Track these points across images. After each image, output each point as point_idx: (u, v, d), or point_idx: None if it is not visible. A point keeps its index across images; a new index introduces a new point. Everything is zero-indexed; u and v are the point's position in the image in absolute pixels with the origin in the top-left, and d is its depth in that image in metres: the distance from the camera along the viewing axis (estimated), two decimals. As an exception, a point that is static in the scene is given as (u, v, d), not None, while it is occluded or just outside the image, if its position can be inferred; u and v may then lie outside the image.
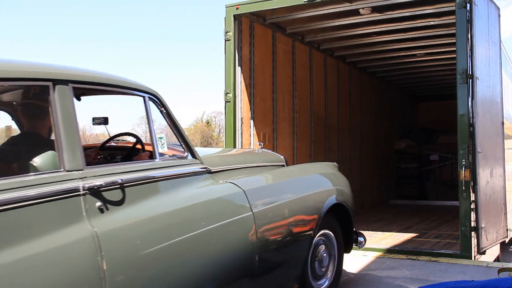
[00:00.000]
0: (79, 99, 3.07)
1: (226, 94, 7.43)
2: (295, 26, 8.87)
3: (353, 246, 4.69)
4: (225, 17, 7.44)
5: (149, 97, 2.92)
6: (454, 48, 6.35)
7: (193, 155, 3.16)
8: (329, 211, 4.05)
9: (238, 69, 7.59)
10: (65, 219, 2.23)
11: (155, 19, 77.24)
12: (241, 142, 7.67)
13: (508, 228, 7.64)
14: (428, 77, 13.56)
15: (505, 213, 7.18)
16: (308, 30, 9.13)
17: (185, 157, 3.11)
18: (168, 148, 3.11)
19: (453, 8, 6.32)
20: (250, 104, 7.94)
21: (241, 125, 7.67)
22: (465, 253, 5.91)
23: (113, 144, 3.58)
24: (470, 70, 5.98)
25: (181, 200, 2.86)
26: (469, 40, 5.99)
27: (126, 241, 2.43)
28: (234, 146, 7.48)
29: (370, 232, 8.14)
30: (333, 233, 4.21)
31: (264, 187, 3.63)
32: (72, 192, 2.28)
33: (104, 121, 3.26)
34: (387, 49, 10.48)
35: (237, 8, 7.36)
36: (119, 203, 2.50)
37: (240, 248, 3.12)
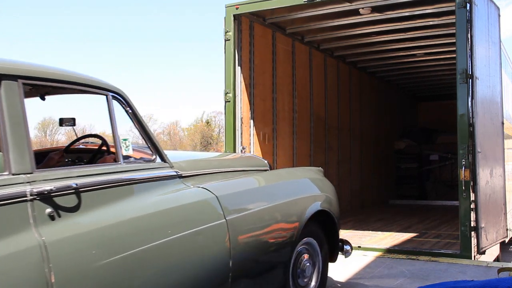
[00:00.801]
0: (43, 99, 2.95)
1: (226, 94, 7.43)
2: (295, 26, 8.87)
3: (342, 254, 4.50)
4: (225, 17, 7.44)
5: (112, 96, 2.72)
6: (454, 48, 6.35)
7: (162, 158, 2.96)
8: (313, 218, 3.84)
9: (238, 69, 7.59)
10: (8, 227, 2.03)
11: (155, 19, 77.23)
12: (241, 142, 7.66)
13: (508, 228, 7.64)
14: (428, 77, 13.56)
15: (505, 213, 7.18)
16: (308, 30, 9.13)
17: (153, 161, 2.92)
18: (135, 150, 2.96)
19: (453, 8, 6.33)
20: (250, 104, 7.94)
21: (241, 125, 7.67)
22: (465, 253, 5.91)
23: (81, 146, 3.42)
24: (470, 70, 5.98)
25: (145, 207, 2.65)
26: (469, 40, 5.98)
27: (78, 251, 2.22)
28: (234, 146, 7.48)
29: (370, 232, 8.14)
30: (317, 241, 4.00)
31: (240, 192, 3.38)
32: (17, 197, 2.09)
33: (72, 122, 3.09)
34: (387, 49, 10.48)
35: (237, 8, 7.36)
36: (73, 209, 2.30)
37: (211, 259, 2.89)
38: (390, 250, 6.50)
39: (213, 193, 3.05)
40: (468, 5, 5.98)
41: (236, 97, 7.51)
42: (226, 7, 7.44)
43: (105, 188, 2.50)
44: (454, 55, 6.31)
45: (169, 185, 2.92)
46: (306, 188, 4.13)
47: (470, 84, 5.96)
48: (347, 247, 4.36)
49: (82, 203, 2.35)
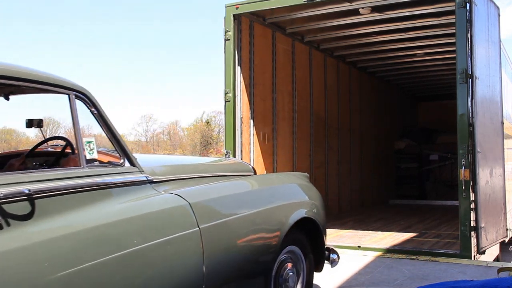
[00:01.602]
0: (7, 98, 2.84)
1: (226, 93, 7.43)
2: (295, 25, 8.87)
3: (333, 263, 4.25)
4: (224, 17, 7.44)
5: (75, 95, 2.54)
6: (454, 48, 6.35)
7: (131, 162, 2.78)
8: (297, 226, 3.66)
9: (238, 68, 7.59)
10: None
11: (155, 19, 77.22)
12: (241, 142, 7.66)
13: (508, 228, 7.64)
14: (427, 77, 13.56)
15: (505, 213, 7.18)
16: (307, 30, 9.13)
17: (121, 165, 2.72)
18: (105, 154, 2.81)
19: (453, 8, 6.33)
20: (250, 104, 7.94)
21: (241, 125, 7.67)
22: (465, 253, 5.91)
23: (50, 149, 3.21)
24: (470, 69, 5.98)
25: (107, 215, 2.44)
26: (469, 40, 5.98)
27: (29, 263, 2.01)
28: (234, 146, 7.48)
29: (370, 232, 8.14)
30: (301, 250, 3.82)
31: (216, 199, 3.16)
32: None
33: (38, 123, 2.93)
34: (387, 48, 10.48)
35: (237, 8, 7.36)
36: (25, 218, 2.10)
37: (182, 270, 2.68)
38: (390, 250, 6.50)
39: (185, 200, 2.84)
40: (468, 5, 5.98)
41: (236, 97, 7.51)
42: (226, 7, 7.44)
43: (62, 194, 2.29)
44: (454, 55, 6.31)
45: (137, 191, 2.73)
46: (290, 194, 3.95)
47: (470, 84, 5.96)
48: (333, 256, 4.15)
49: (36, 211, 2.14)
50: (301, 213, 3.77)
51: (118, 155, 2.77)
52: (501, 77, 7.38)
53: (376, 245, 6.82)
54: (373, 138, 13.02)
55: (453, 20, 6.38)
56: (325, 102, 10.56)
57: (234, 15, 7.39)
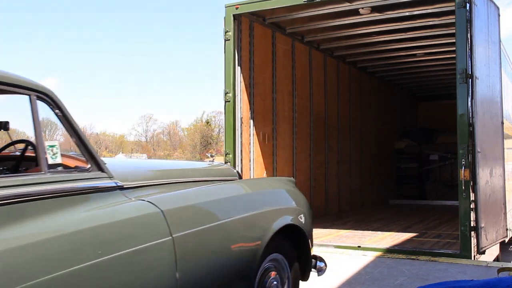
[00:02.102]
0: None
1: (225, 93, 7.43)
2: (295, 26, 8.87)
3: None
4: (224, 17, 7.44)
5: (37, 96, 2.38)
6: (454, 48, 6.35)
7: (99, 167, 2.61)
8: (281, 233, 3.51)
9: (238, 68, 7.59)
10: None
11: (155, 19, 77.15)
12: (241, 142, 7.66)
13: (508, 228, 7.64)
14: (427, 77, 13.56)
15: (505, 213, 7.18)
16: (307, 30, 9.13)
17: (87, 170, 2.56)
18: (72, 158, 2.67)
19: (453, 8, 6.33)
20: (249, 104, 7.94)
21: (241, 125, 7.67)
22: (465, 253, 5.91)
23: (17, 153, 3.04)
24: (470, 69, 5.98)
25: (68, 223, 2.26)
26: (469, 40, 5.99)
27: None
28: (234, 146, 7.48)
29: (370, 232, 8.14)
30: (286, 258, 3.66)
31: (192, 206, 2.97)
32: None
33: (4, 125, 2.78)
34: (387, 49, 10.48)
35: (236, 8, 7.36)
36: None
37: (152, 282, 2.50)
38: (390, 250, 6.50)
39: (157, 207, 2.65)
40: (467, 5, 5.98)
41: (236, 97, 7.51)
42: (226, 7, 7.44)
43: (18, 202, 2.11)
44: (454, 55, 6.32)
45: (105, 198, 2.56)
46: (274, 200, 3.79)
47: (470, 84, 5.96)
48: (320, 264, 3.98)
49: None
50: (285, 220, 3.61)
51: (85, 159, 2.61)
52: (501, 77, 7.38)
53: (376, 245, 6.82)
54: (373, 138, 13.02)
55: (453, 20, 6.38)
56: (325, 102, 10.56)
57: (234, 15, 7.39)
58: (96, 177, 2.57)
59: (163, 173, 3.35)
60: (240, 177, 4.11)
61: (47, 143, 2.41)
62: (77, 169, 2.57)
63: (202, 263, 2.85)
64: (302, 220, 3.84)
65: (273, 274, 3.53)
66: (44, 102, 2.42)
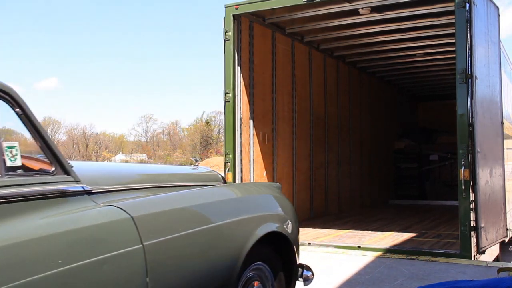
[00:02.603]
0: None
1: (225, 94, 7.43)
2: (295, 26, 8.87)
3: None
4: (224, 17, 7.44)
5: None
6: (454, 48, 6.35)
7: (65, 170, 2.47)
8: (265, 241, 3.36)
9: (238, 69, 7.59)
10: None
11: (155, 18, 77.15)
12: (241, 142, 7.66)
13: (508, 228, 7.64)
14: (427, 77, 13.57)
15: (505, 213, 7.18)
16: (307, 30, 9.13)
17: (52, 173, 2.41)
18: (36, 161, 2.52)
19: (453, 8, 6.33)
20: (249, 104, 7.94)
21: (241, 125, 7.67)
22: (465, 253, 5.91)
23: None
24: (470, 69, 5.98)
25: (27, 230, 2.11)
26: (469, 40, 5.99)
27: None
28: (234, 146, 7.48)
29: (370, 232, 8.14)
30: (270, 267, 3.49)
31: (166, 212, 2.79)
32: None
33: None
34: (387, 49, 10.48)
35: (236, 8, 7.36)
36: None
37: None
38: (390, 250, 6.50)
39: (127, 213, 2.49)
40: (467, 5, 5.98)
41: (236, 97, 7.51)
42: (225, 7, 7.44)
43: None
44: (454, 55, 6.32)
45: (70, 203, 2.41)
46: (257, 206, 3.60)
47: (470, 84, 5.96)
48: (307, 273, 3.81)
49: None
50: (269, 227, 3.44)
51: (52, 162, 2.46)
52: (501, 77, 7.39)
53: (376, 245, 6.82)
54: (373, 138, 13.02)
55: (453, 20, 6.38)
56: (325, 102, 10.56)
57: (233, 16, 7.39)
58: (61, 181, 2.42)
59: (138, 177, 3.22)
60: (225, 182, 3.97)
61: (5, 144, 2.26)
62: (40, 172, 2.40)
63: (177, 273, 2.68)
64: (288, 227, 3.68)
65: (256, 283, 3.39)
66: (4, 101, 2.28)
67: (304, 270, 3.81)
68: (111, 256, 2.30)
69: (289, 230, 3.68)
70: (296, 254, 3.77)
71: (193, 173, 3.88)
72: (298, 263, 3.79)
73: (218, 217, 3.08)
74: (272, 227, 3.48)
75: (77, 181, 2.50)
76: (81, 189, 2.50)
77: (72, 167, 2.51)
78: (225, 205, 3.31)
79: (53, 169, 2.42)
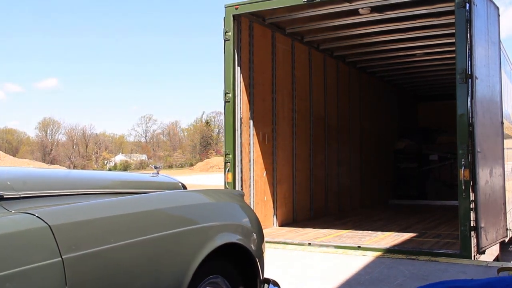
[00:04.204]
0: None
1: (225, 94, 7.43)
2: (295, 26, 8.87)
3: None
4: (224, 17, 7.44)
5: None
6: (454, 48, 6.35)
7: None
8: (223, 253, 3.09)
9: (238, 69, 7.59)
10: None
11: (155, 18, 77.05)
12: (241, 142, 7.66)
13: (508, 228, 7.63)
14: (427, 77, 13.57)
15: (505, 213, 7.17)
16: (307, 30, 9.13)
17: None
18: None
19: (452, 8, 6.33)
20: (249, 104, 7.94)
21: (241, 125, 7.67)
22: (465, 253, 5.91)
23: None
24: (470, 69, 5.98)
25: None
26: (469, 40, 5.99)
27: None
28: (234, 146, 7.47)
29: (370, 232, 8.13)
30: (229, 281, 3.20)
31: (93, 221, 2.44)
32: None
33: None
34: (387, 49, 10.48)
35: (236, 8, 7.36)
36: None
37: None
38: (390, 250, 6.49)
39: (44, 221, 2.17)
40: (467, 5, 5.98)
41: (236, 97, 7.51)
42: (225, 7, 7.44)
43: None
44: (454, 55, 6.32)
45: None
46: (212, 215, 3.26)
47: (470, 84, 5.96)
48: None
49: None
50: (225, 238, 3.13)
51: None
52: (500, 77, 7.38)
53: (376, 245, 6.81)
54: (373, 138, 13.02)
55: (453, 20, 6.38)
56: (324, 102, 10.56)
57: (233, 16, 7.39)
58: None
59: (68, 183, 2.90)
60: (184, 188, 3.68)
61: None
62: None
63: None
64: (249, 238, 3.36)
65: None
66: None
67: (271, 285, 3.52)
68: (20, 272, 1.99)
69: (252, 242, 3.38)
70: (260, 268, 3.44)
71: (145, 181, 3.55)
72: (263, 278, 3.48)
73: (160, 227, 2.75)
74: (229, 238, 3.17)
75: None
76: None
77: None
78: (171, 213, 2.97)
79: None
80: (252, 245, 3.37)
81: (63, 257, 2.16)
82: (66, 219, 2.32)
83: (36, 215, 2.20)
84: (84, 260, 2.26)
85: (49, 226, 2.18)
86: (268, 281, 3.52)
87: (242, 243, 3.26)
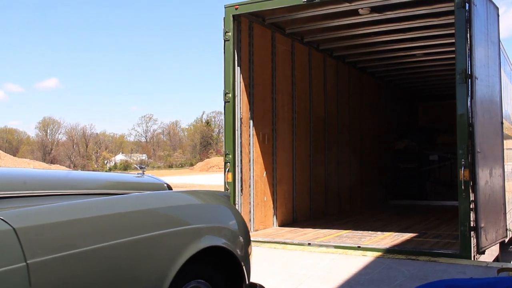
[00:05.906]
0: None
1: (225, 94, 7.43)
2: (295, 26, 8.87)
3: None
4: (224, 17, 7.44)
5: None
6: (453, 48, 6.35)
7: None
8: (205, 256, 2.97)
9: (238, 69, 7.59)
10: None
11: (154, 18, 77.03)
12: (241, 142, 7.66)
13: (508, 228, 7.63)
14: (427, 77, 13.58)
15: (505, 213, 7.17)
16: (307, 30, 9.13)
17: None
18: None
19: (452, 8, 6.33)
20: (249, 104, 7.94)
21: (241, 125, 7.67)
22: (465, 253, 5.91)
23: None
24: (469, 70, 5.98)
25: None
26: (468, 40, 5.99)
27: None
28: (234, 146, 7.47)
29: (370, 232, 8.13)
30: (213, 287, 3.07)
31: (62, 223, 2.28)
32: None
33: None
34: (387, 49, 10.48)
35: (236, 8, 7.36)
36: None
37: None
38: (389, 250, 6.49)
39: (8, 224, 2.04)
40: (467, 5, 5.98)
41: (236, 98, 7.51)
42: (225, 7, 7.44)
43: None
44: (454, 55, 6.32)
45: None
46: (195, 217, 3.11)
47: (470, 84, 5.96)
48: None
49: None
50: (207, 241, 3.00)
51: None
52: (500, 77, 7.38)
53: (376, 245, 6.81)
54: (373, 138, 13.02)
55: (453, 20, 6.38)
56: (324, 102, 10.56)
57: (233, 16, 7.39)
58: None
59: (48, 183, 2.76)
60: (170, 189, 3.55)
61: None
62: None
63: None
64: (233, 242, 3.24)
65: None
66: None
67: None
68: None
69: (237, 245, 3.25)
70: (246, 272, 3.30)
71: (128, 181, 3.42)
72: (249, 282, 3.34)
73: (137, 229, 2.61)
74: (213, 241, 3.04)
75: None
76: None
77: None
78: (150, 215, 2.82)
79: None
80: (237, 249, 3.24)
81: (28, 262, 2.03)
82: (33, 221, 2.18)
83: (0, 217, 2.07)
84: (52, 265, 2.12)
85: (13, 229, 2.04)
86: (255, 285, 3.38)
87: (227, 247, 3.14)
